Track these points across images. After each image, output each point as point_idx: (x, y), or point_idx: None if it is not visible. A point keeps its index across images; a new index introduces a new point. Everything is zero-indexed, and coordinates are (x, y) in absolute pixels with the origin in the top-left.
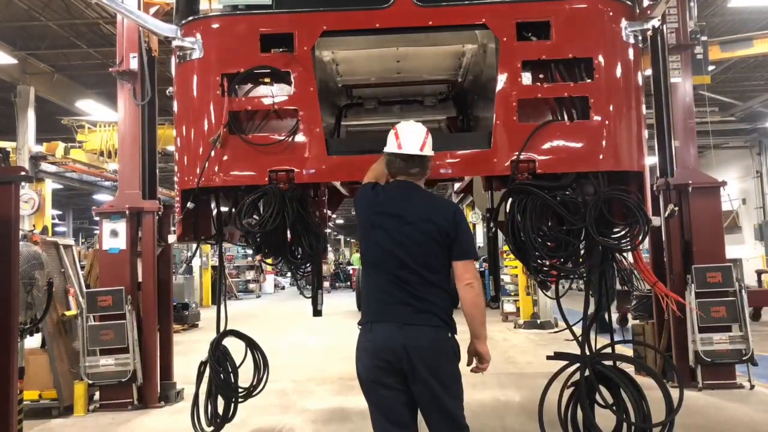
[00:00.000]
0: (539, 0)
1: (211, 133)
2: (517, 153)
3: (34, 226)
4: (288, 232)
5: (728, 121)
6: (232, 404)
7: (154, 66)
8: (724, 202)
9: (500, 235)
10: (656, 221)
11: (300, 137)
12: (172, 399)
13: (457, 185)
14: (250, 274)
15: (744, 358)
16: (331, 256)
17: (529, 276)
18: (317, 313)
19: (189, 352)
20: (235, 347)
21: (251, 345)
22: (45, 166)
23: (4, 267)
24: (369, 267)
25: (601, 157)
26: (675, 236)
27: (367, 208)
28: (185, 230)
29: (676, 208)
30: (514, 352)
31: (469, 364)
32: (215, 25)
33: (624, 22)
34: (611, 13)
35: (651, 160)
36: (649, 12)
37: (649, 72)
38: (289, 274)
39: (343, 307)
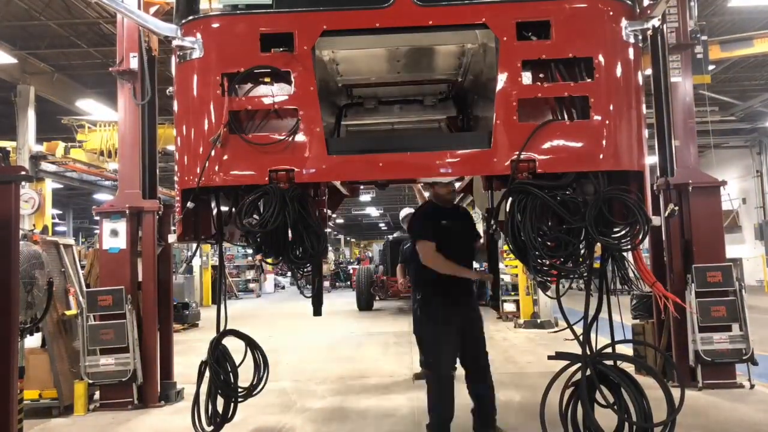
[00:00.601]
0: (539, 0)
1: (211, 132)
2: (517, 153)
3: (34, 225)
4: (289, 231)
5: (728, 121)
6: (232, 404)
7: (154, 66)
8: (724, 202)
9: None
10: (656, 221)
11: (300, 137)
12: (172, 398)
13: (457, 185)
14: (250, 274)
15: (744, 358)
16: (331, 255)
17: (529, 276)
18: (317, 312)
19: (189, 351)
20: (235, 347)
21: (251, 344)
22: (45, 165)
23: (4, 267)
24: None
25: (601, 156)
26: (675, 236)
27: None
28: (185, 230)
29: (676, 208)
30: (514, 351)
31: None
32: (215, 25)
33: (624, 22)
34: (611, 13)
35: (651, 159)
36: (649, 11)
37: (649, 72)
38: (289, 273)
39: (343, 306)
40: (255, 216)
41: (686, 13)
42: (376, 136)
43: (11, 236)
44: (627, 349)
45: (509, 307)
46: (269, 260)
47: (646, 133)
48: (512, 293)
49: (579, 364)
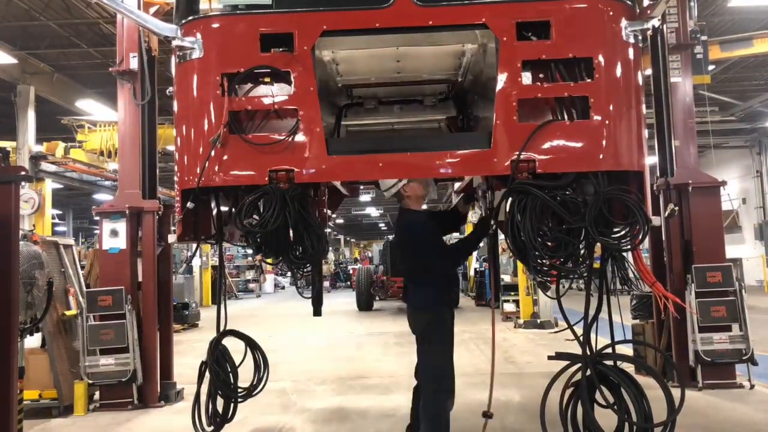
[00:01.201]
0: (539, 0)
1: (211, 132)
2: (517, 153)
3: (34, 225)
4: (289, 231)
5: (728, 121)
6: (232, 404)
7: (154, 66)
8: (724, 202)
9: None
10: (656, 221)
11: (300, 137)
12: (172, 399)
13: (457, 185)
14: (250, 274)
15: (744, 358)
16: (331, 256)
17: (529, 276)
18: (317, 313)
19: (189, 352)
20: (235, 347)
21: (251, 345)
22: (45, 165)
23: (4, 267)
24: None
25: (601, 156)
26: (675, 236)
27: None
28: (185, 230)
29: (676, 208)
30: (514, 351)
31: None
32: (215, 25)
33: (624, 22)
34: (611, 13)
35: (651, 159)
36: (649, 12)
37: (649, 72)
38: (289, 273)
39: (343, 306)
40: (255, 216)
41: (686, 13)
42: (376, 137)
43: (11, 236)
44: (627, 350)
45: (509, 307)
46: (269, 260)
47: (646, 133)
48: (512, 293)
49: (579, 365)
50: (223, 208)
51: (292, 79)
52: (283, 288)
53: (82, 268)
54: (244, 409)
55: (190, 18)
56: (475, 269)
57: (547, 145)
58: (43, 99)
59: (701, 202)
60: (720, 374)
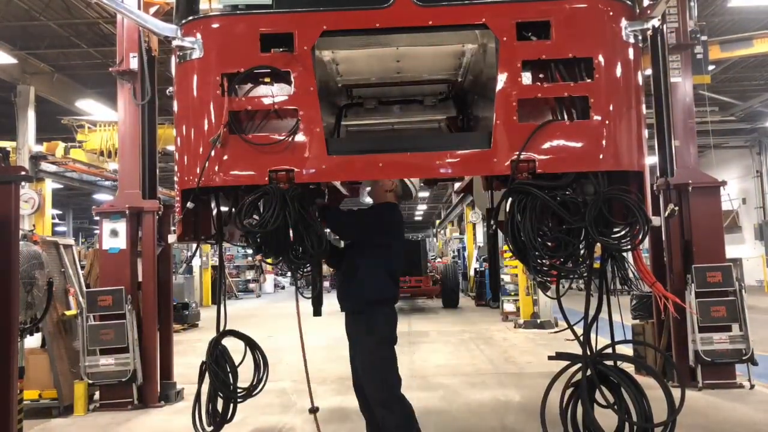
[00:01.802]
0: (539, 0)
1: (211, 132)
2: (517, 153)
3: (34, 225)
4: (289, 231)
5: (728, 121)
6: (232, 404)
7: (154, 66)
8: (724, 202)
9: (500, 235)
10: (656, 221)
11: (300, 137)
12: (172, 399)
13: (457, 185)
14: (250, 274)
15: (744, 358)
16: None
17: (530, 277)
18: (317, 313)
19: (189, 352)
20: (235, 347)
21: (251, 345)
22: (45, 165)
23: (4, 267)
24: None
25: (601, 156)
26: (675, 236)
27: None
28: (185, 230)
29: (676, 208)
30: (514, 351)
31: None
32: (215, 25)
33: (624, 22)
34: (611, 13)
35: (651, 159)
36: (649, 12)
37: (649, 72)
38: (289, 273)
39: None
40: (255, 216)
41: (686, 13)
42: (376, 137)
43: (11, 236)
44: (627, 350)
45: (509, 307)
46: (269, 260)
47: (646, 133)
48: (512, 293)
49: (579, 365)
50: (223, 208)
51: (292, 79)
52: (283, 288)
53: (82, 268)
54: (244, 409)
55: (190, 18)
56: (475, 269)
57: (547, 145)
58: (43, 99)
59: (701, 202)
60: (720, 374)
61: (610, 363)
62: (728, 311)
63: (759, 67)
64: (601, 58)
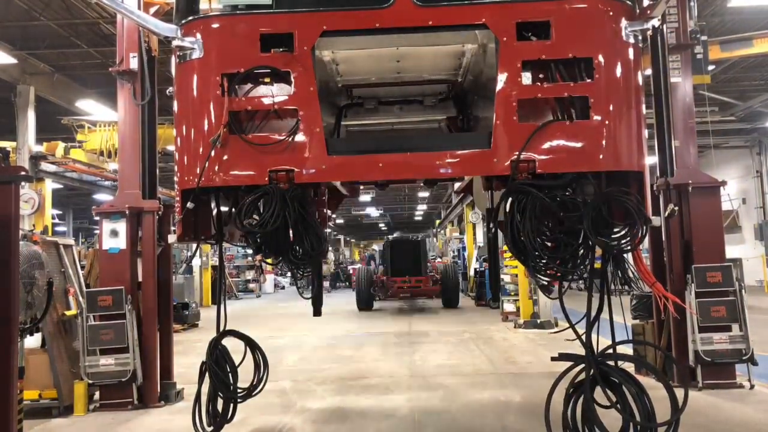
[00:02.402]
0: (539, 0)
1: (211, 133)
2: (517, 153)
3: (34, 225)
4: (289, 232)
5: (728, 121)
6: (232, 404)
7: (154, 66)
8: (724, 202)
9: (500, 235)
10: (656, 221)
11: (300, 137)
12: (172, 399)
13: (457, 185)
14: (250, 274)
15: (744, 358)
16: (331, 256)
17: (531, 280)
18: (317, 313)
19: (189, 351)
20: (235, 347)
21: (251, 345)
22: (45, 165)
23: (4, 267)
24: None
25: (601, 156)
26: (675, 236)
27: None
28: (185, 230)
29: (676, 208)
30: (514, 351)
31: None
32: (215, 25)
33: (624, 22)
34: (611, 13)
35: (651, 159)
36: (649, 12)
37: (649, 72)
38: (289, 273)
39: (343, 306)
40: (255, 216)
41: (686, 13)
42: (376, 137)
43: (11, 236)
44: (627, 350)
45: (509, 307)
46: (269, 260)
47: (646, 133)
48: (512, 294)
49: (582, 365)
50: (223, 208)
51: (292, 79)
52: (283, 288)
53: (82, 268)
54: (244, 409)
55: (190, 18)
56: (475, 269)
57: (547, 145)
58: (43, 99)
59: (701, 202)
60: (720, 374)
61: (611, 363)
62: (728, 311)
63: (759, 67)
64: (601, 58)
